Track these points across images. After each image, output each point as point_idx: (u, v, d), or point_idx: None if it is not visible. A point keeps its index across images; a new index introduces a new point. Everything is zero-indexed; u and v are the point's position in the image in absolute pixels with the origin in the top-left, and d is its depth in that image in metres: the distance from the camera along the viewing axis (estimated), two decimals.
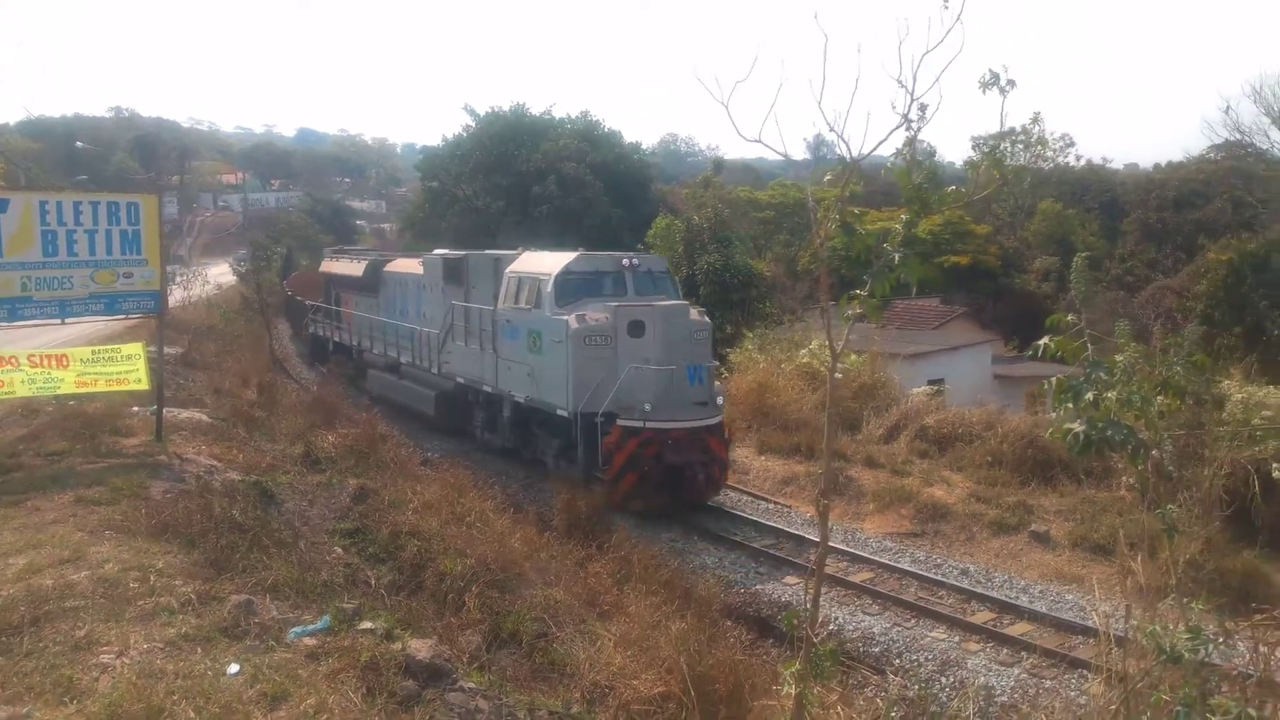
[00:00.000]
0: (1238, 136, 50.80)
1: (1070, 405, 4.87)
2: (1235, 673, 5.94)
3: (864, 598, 12.43)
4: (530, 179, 43.95)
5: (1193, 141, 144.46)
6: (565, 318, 15.65)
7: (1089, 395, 4.70)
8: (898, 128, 5.39)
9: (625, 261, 16.69)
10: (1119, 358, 4.94)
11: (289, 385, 24.54)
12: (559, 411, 15.86)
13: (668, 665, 9.22)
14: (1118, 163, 72.84)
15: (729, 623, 11.66)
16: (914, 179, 5.70)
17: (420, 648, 7.33)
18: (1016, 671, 10.29)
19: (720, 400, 15.97)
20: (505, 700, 7.06)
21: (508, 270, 17.63)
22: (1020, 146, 49.15)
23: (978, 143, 53.27)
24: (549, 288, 16.19)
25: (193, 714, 5.42)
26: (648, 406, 14.75)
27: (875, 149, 5.58)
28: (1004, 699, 9.68)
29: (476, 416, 19.43)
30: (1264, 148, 48.22)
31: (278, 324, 34.96)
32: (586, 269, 16.61)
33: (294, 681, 6.04)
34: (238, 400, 18.70)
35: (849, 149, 5.57)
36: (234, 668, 6.14)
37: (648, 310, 15.55)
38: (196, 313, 34.00)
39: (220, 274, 46.26)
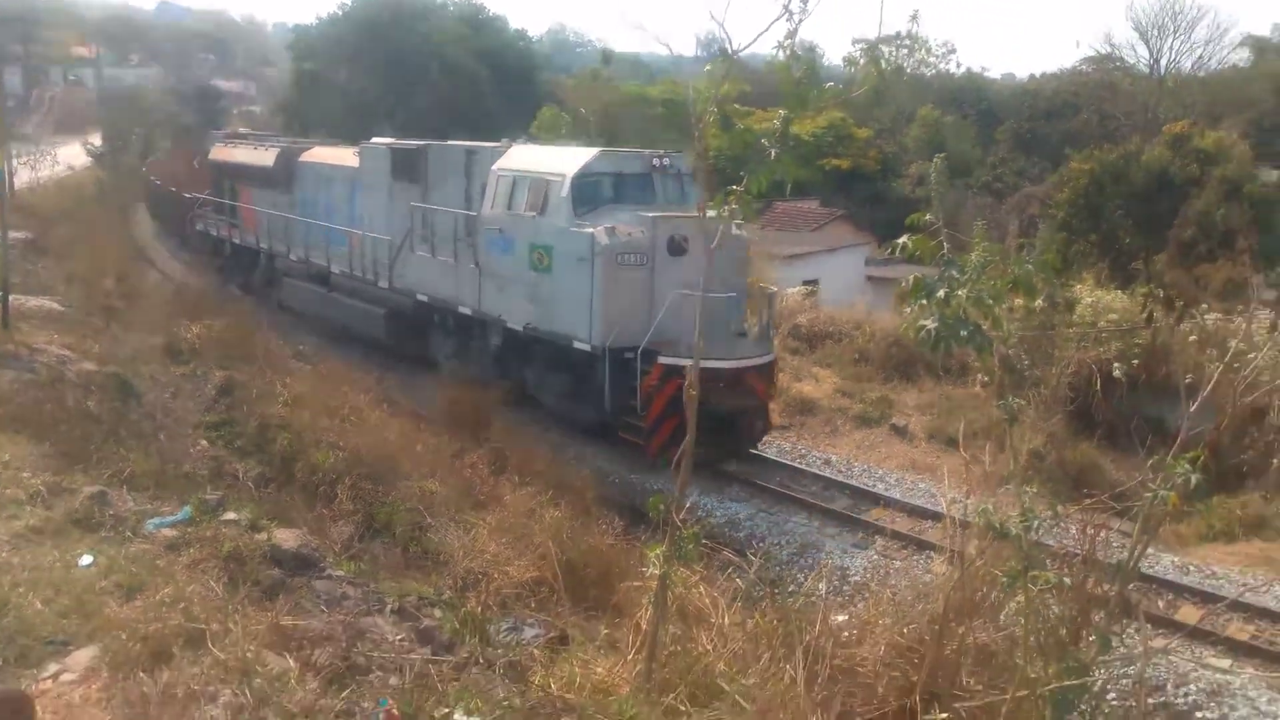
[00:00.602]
0: (1109, 49, 52.63)
1: (924, 302, 5.09)
2: (1064, 551, 6.49)
3: (732, 485, 12.91)
4: (411, 65, 42.08)
5: (1068, 54, 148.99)
6: (589, 230, 12.95)
7: (940, 293, 4.92)
8: (779, 19, 5.37)
9: (656, 161, 14.08)
10: (972, 256, 5.17)
11: (152, 276, 23.35)
12: (576, 344, 13.32)
13: (541, 552, 9.44)
14: (996, 72, 74.53)
15: (603, 511, 11.95)
16: (794, 74, 5.71)
17: (287, 538, 7.30)
18: (870, 553, 10.96)
19: (773, 334, 13.88)
20: (374, 587, 7.12)
21: (496, 168, 14.63)
22: (904, 51, 49.67)
23: (859, 44, 53.57)
24: (564, 191, 13.36)
25: (41, 605, 5.29)
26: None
27: (755, 41, 5.56)
28: (857, 578, 10.32)
29: (442, 342, 16.57)
30: (1131, 62, 50.16)
31: (138, 213, 32.79)
32: (608, 169, 13.88)
33: (151, 571, 5.95)
34: (94, 289, 17.72)
35: (730, 42, 5.53)
36: (87, 559, 6.00)
37: (690, 224, 12.68)
38: (47, 196, 31.72)
39: (73, 155, 43.15)
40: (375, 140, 18.83)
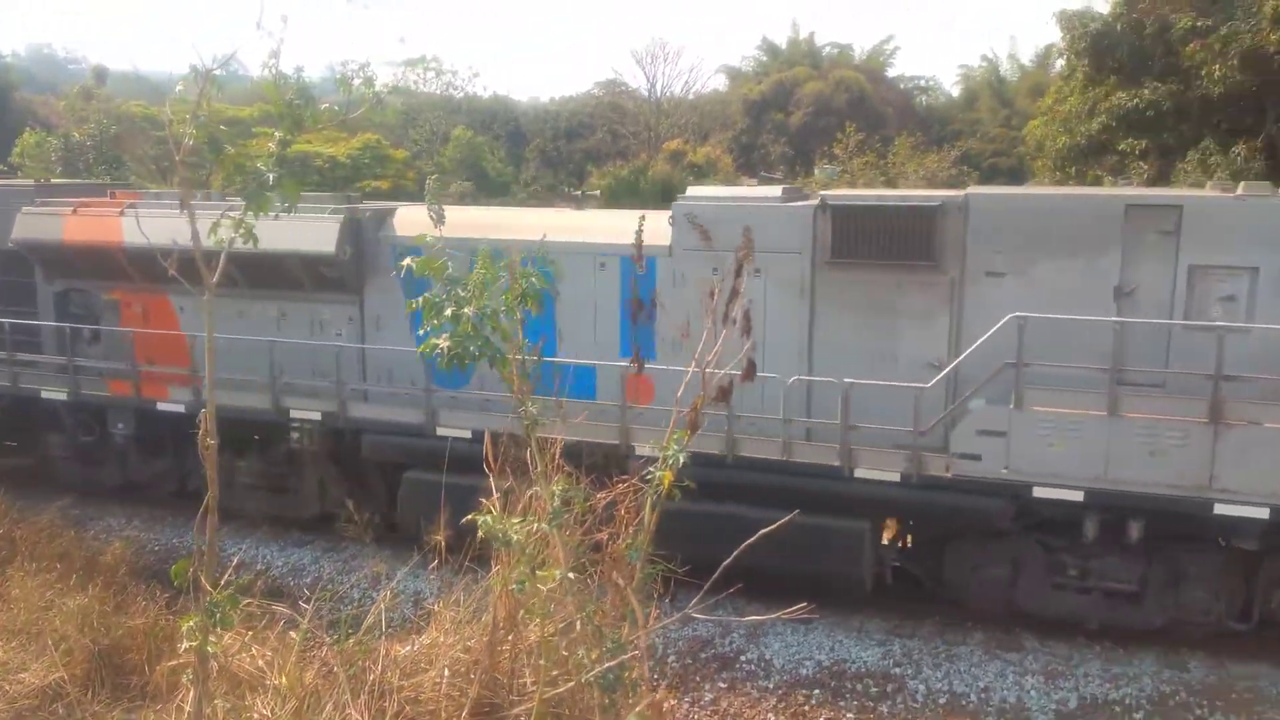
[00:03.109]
0: (614, 75, 58.12)
1: (436, 322, 5.21)
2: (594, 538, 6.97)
3: (292, 531, 12.27)
4: None
5: (584, 79, 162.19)
6: None
7: (448, 311, 5.08)
8: (254, 37, 5.16)
9: None
10: (474, 275, 5.38)
11: None
12: None
13: (67, 647, 8.32)
14: (521, 94, 78.89)
15: (143, 586, 10.71)
16: (285, 95, 5.51)
17: None
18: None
19: None
20: None
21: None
22: (432, 74, 50.56)
23: (345, 65, 53.62)
24: None
25: None
26: None
27: (229, 59, 5.30)
28: (431, 600, 10.33)
29: None
30: (635, 87, 55.86)
31: None
32: None
33: None
34: None
35: (201, 57, 5.20)
36: None
37: None
38: None
39: None
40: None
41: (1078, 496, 9.16)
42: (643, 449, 9.85)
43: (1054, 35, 21.37)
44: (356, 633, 6.33)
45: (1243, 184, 9.85)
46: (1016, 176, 38.35)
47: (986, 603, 10.24)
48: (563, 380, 9.57)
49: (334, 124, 5.81)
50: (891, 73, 64.32)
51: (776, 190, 11.52)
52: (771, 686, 9.44)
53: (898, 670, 9.61)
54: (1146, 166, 20.62)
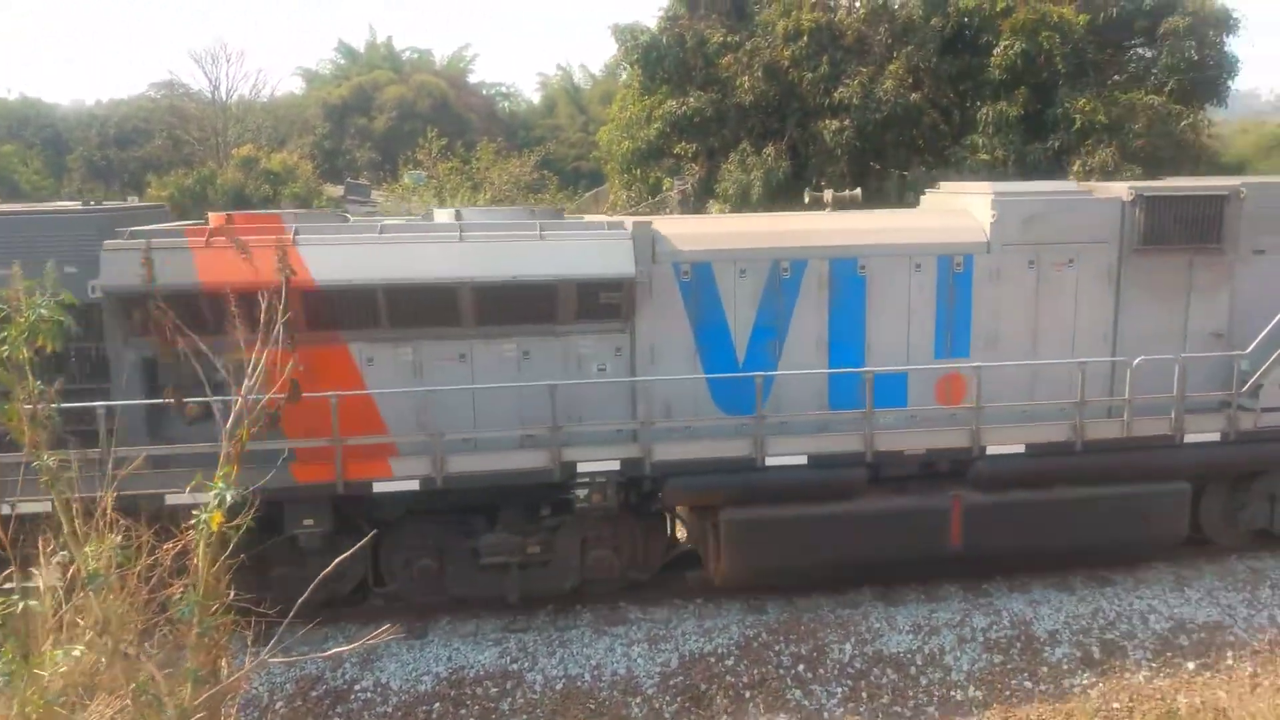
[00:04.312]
0: (172, 76, 52.95)
1: None
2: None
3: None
4: None
5: (137, 79, 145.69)
6: None
7: None
8: None
9: None
10: None
11: None
12: None
13: None
14: (60, 96, 69.14)
15: None
16: None
17: None
18: None
19: None
20: None
21: None
22: None
23: None
24: None
25: None
26: None
27: None
28: None
29: None
30: (197, 88, 51.24)
31: None
32: None
33: None
34: None
35: None
36: None
37: None
38: None
39: None
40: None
41: None
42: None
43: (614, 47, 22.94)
44: None
45: None
46: (597, 179, 40.74)
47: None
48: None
49: None
50: (473, 79, 65.49)
51: (1073, 184, 12.42)
52: (390, 711, 9.18)
53: (515, 666, 9.79)
54: (698, 167, 22.93)
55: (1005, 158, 20.32)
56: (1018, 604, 10.84)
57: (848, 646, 10.14)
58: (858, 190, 13.07)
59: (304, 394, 8.41)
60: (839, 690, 9.61)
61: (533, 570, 10.51)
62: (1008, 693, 9.65)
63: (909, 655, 10.06)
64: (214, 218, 10.37)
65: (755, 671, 9.75)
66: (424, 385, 9.94)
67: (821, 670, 9.82)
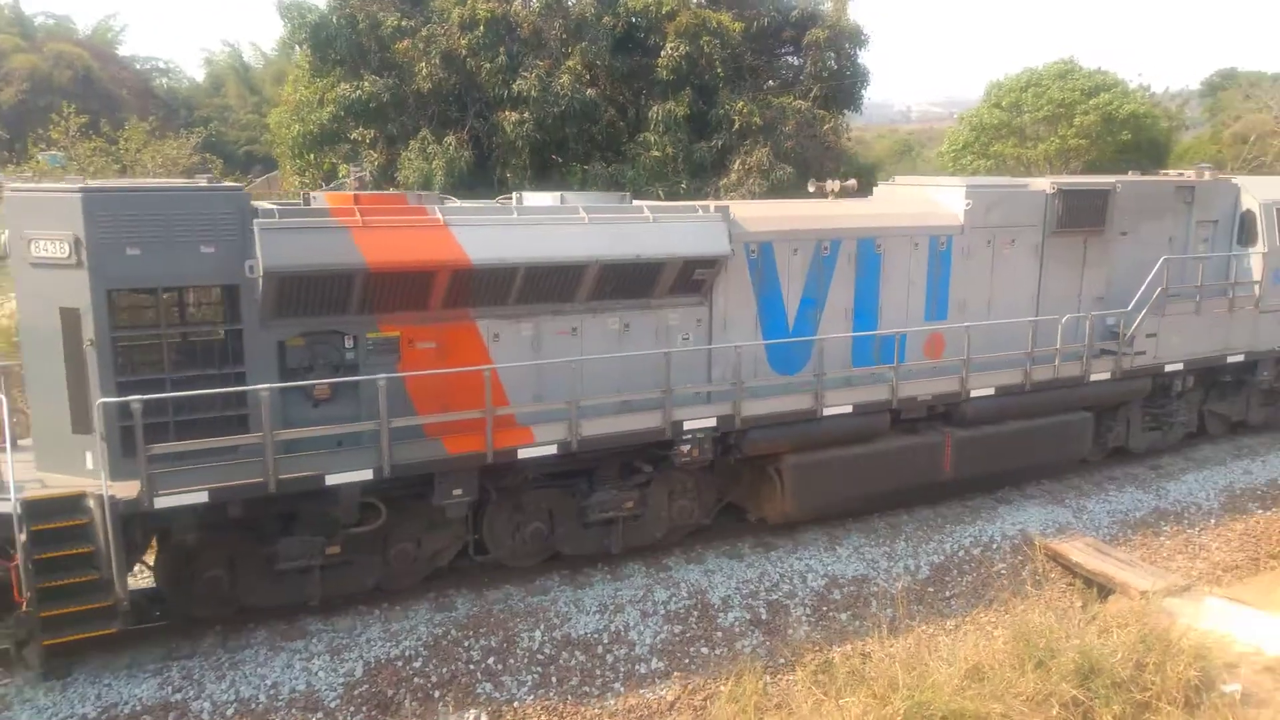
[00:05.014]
0: None
1: None
2: None
3: None
4: None
5: None
6: None
7: None
8: None
9: None
10: None
11: None
12: None
13: None
14: None
15: None
16: None
17: None
18: None
19: None
20: None
21: (1258, 202, 15.72)
22: None
23: None
24: None
25: None
26: None
27: None
28: None
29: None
30: None
31: None
32: None
33: None
34: None
35: None
36: None
37: None
38: None
39: None
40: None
41: (1179, 366, 14.95)
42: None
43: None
44: None
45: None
46: (271, 163, 38.11)
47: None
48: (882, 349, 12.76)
49: None
50: (123, 51, 58.88)
51: (1015, 179, 15.48)
52: None
53: (179, 696, 8.92)
54: (377, 154, 22.08)
55: (676, 155, 21.42)
56: (694, 574, 11.49)
57: (537, 634, 10.23)
58: (853, 180, 14.84)
59: (448, 369, 10.13)
60: (529, 678, 9.68)
61: (629, 523, 11.60)
62: (686, 660, 10.21)
63: (596, 636, 10.34)
64: (334, 196, 10.52)
65: (445, 670, 9.58)
66: (541, 358, 10.84)
67: (512, 660, 9.84)
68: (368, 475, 9.46)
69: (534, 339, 10.86)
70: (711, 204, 12.11)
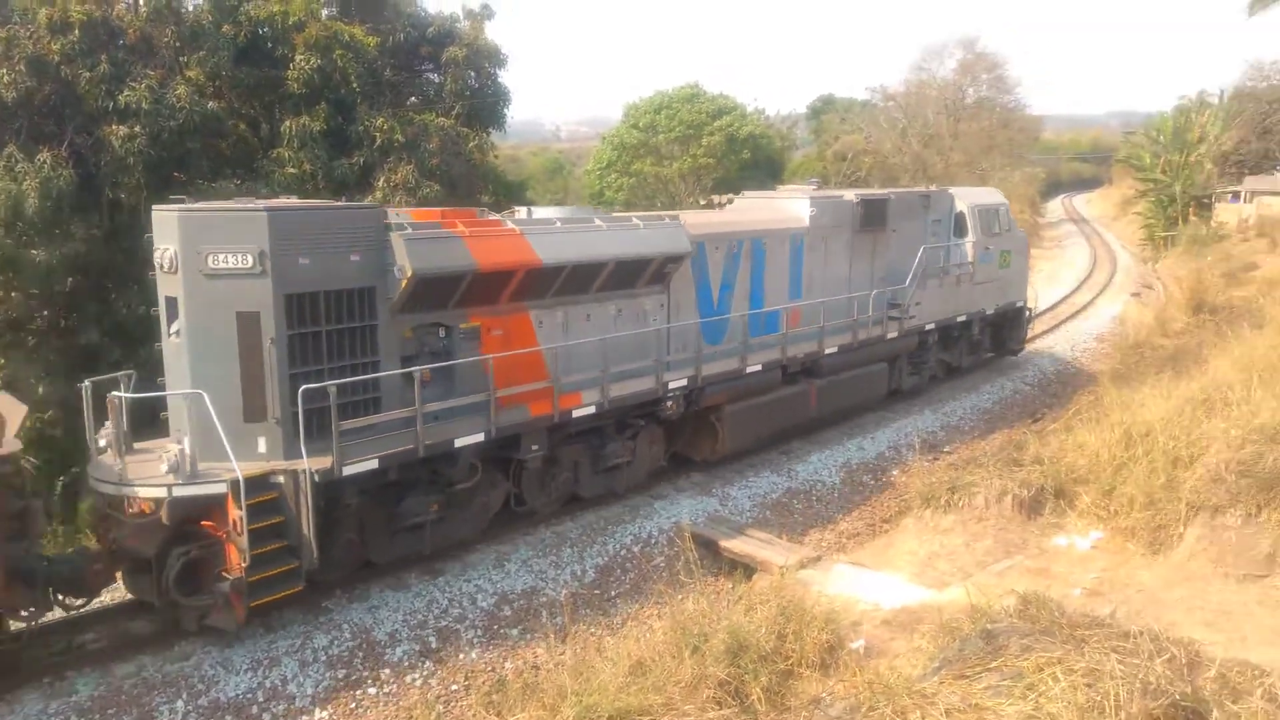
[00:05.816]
0: None
1: None
2: None
3: None
4: None
5: None
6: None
7: None
8: None
9: None
10: None
11: None
12: (1018, 304, 23.26)
13: None
14: None
15: None
16: None
17: None
18: None
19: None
20: None
21: (966, 206, 21.18)
22: None
23: None
24: (1003, 213, 22.39)
25: None
26: None
27: None
28: None
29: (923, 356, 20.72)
30: None
31: None
32: None
33: None
34: None
35: None
36: None
37: None
38: None
39: None
40: (795, 189, 21.20)
41: (932, 326, 20.15)
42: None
43: None
44: None
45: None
46: None
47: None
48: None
49: None
50: None
51: (841, 191, 19.71)
52: None
53: None
54: None
55: (314, 172, 20.35)
56: (357, 613, 10.87)
57: (179, 704, 9.20)
58: (743, 192, 19.69)
59: (512, 351, 12.33)
60: None
61: (626, 467, 14.34)
62: (353, 705, 9.64)
63: (250, 695, 9.46)
64: (423, 213, 12.22)
65: None
66: (569, 339, 13.17)
67: None
68: (480, 438, 11.55)
69: (564, 324, 13.28)
70: (665, 215, 15.20)
